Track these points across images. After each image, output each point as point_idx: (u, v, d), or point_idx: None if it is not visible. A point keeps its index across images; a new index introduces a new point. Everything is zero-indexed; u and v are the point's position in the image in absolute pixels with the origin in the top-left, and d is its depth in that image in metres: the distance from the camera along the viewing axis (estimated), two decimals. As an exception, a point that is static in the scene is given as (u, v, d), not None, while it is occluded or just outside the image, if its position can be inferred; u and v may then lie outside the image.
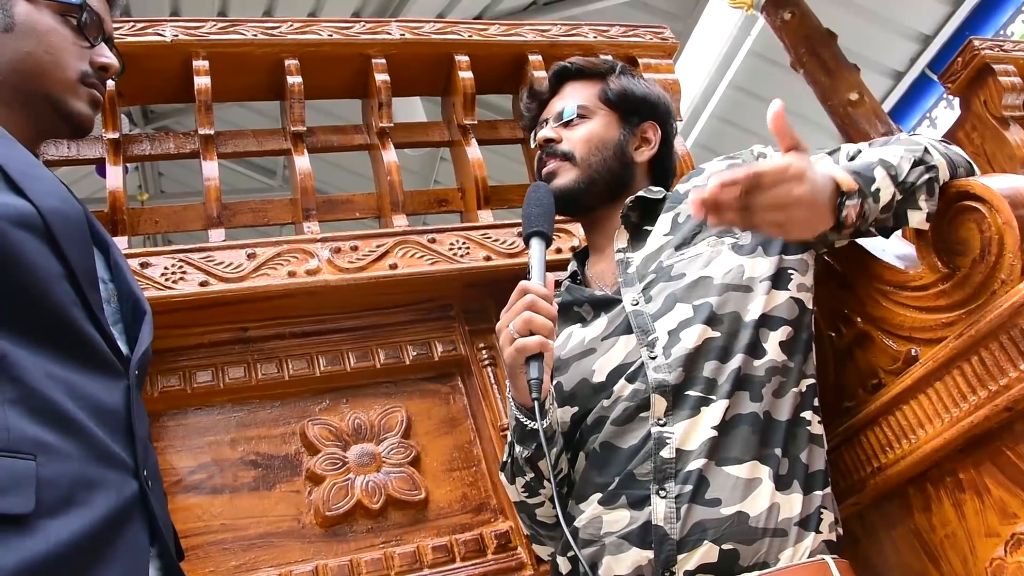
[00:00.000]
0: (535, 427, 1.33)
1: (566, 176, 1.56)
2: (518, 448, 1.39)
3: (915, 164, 1.29)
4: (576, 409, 1.42)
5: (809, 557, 1.24)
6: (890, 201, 1.26)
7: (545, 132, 1.61)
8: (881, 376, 1.44)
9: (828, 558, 1.25)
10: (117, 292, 1.17)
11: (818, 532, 1.27)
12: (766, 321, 1.37)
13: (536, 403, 1.25)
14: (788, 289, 1.40)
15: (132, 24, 1.96)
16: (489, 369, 1.87)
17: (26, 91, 1.18)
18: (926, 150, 1.31)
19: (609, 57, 2.20)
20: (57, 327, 0.98)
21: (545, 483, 1.40)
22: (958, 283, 1.29)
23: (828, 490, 1.33)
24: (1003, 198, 1.23)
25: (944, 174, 1.31)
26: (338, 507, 1.66)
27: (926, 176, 1.29)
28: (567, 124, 1.60)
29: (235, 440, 1.72)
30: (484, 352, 1.89)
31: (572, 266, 1.64)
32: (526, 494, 1.44)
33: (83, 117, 1.23)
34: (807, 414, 1.36)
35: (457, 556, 1.68)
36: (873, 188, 1.24)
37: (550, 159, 1.58)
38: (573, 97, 1.64)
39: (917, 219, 1.30)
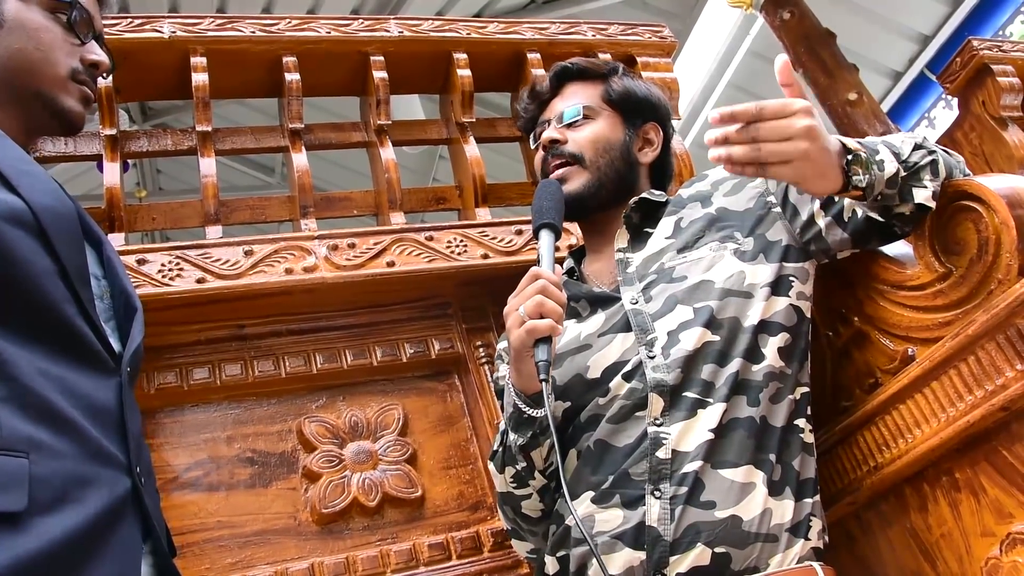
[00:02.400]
0: (535, 414, 1.34)
1: (577, 181, 1.54)
2: (512, 436, 1.38)
3: (916, 148, 1.31)
4: (569, 404, 1.41)
5: (798, 563, 1.24)
6: (894, 175, 1.26)
7: (550, 133, 1.59)
8: (878, 375, 1.43)
9: (816, 564, 1.25)
10: (109, 288, 1.16)
11: (807, 539, 1.27)
12: (765, 327, 1.37)
13: (544, 384, 1.25)
14: (788, 296, 1.40)
15: (130, 20, 1.96)
16: (486, 367, 1.87)
17: (17, 88, 1.18)
18: (924, 139, 1.34)
19: (609, 58, 2.21)
20: (49, 324, 0.98)
21: (536, 474, 1.40)
22: (955, 283, 1.29)
23: (817, 498, 1.34)
24: (1000, 198, 1.23)
25: (942, 163, 1.32)
26: (334, 504, 1.66)
27: (928, 158, 1.31)
28: (571, 125, 1.59)
29: (231, 437, 1.72)
30: (481, 350, 1.89)
31: (568, 263, 1.63)
32: (514, 484, 1.43)
33: (74, 114, 1.23)
34: (800, 422, 1.36)
35: (453, 554, 1.68)
36: (877, 158, 1.26)
37: (557, 160, 1.57)
38: (576, 97, 1.62)
39: (923, 196, 1.29)
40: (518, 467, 1.40)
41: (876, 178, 1.24)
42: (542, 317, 1.27)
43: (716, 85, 6.82)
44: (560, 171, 1.56)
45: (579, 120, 1.59)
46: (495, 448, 1.47)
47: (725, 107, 1.16)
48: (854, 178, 1.23)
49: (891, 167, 1.26)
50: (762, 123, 1.16)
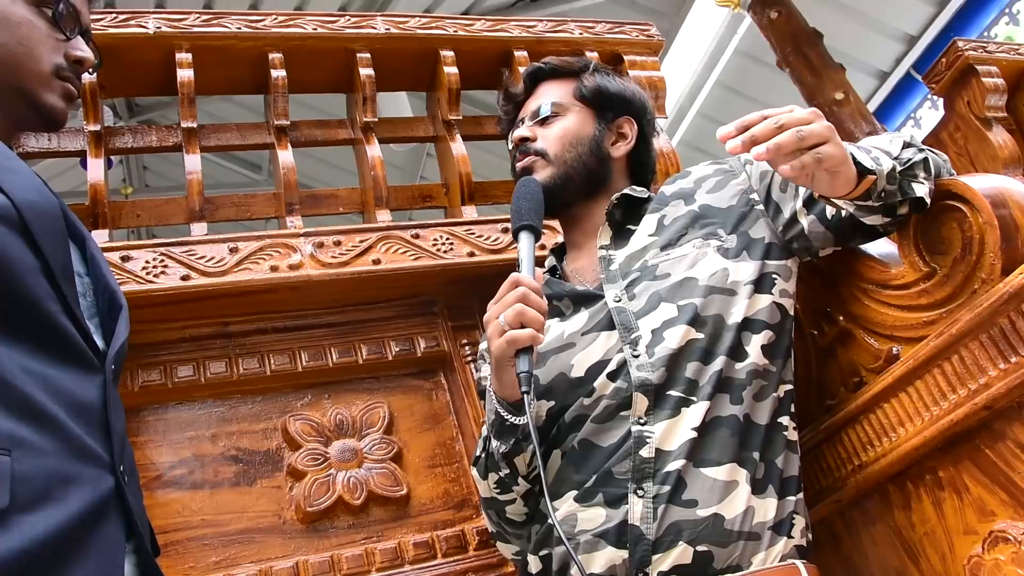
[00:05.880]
0: (517, 422, 1.33)
1: (541, 173, 1.55)
2: (495, 443, 1.38)
3: (905, 146, 1.31)
4: (553, 403, 1.41)
5: (780, 561, 1.24)
6: (892, 171, 1.26)
7: (520, 131, 1.60)
8: (863, 374, 1.44)
9: (799, 563, 1.25)
10: (93, 286, 1.15)
11: (790, 537, 1.27)
12: (748, 324, 1.37)
13: (526, 396, 1.24)
14: (771, 294, 1.40)
15: (115, 16, 1.95)
16: (472, 365, 1.86)
17: None
18: (912, 138, 1.34)
19: (596, 56, 2.20)
20: (33, 321, 0.97)
21: (520, 480, 1.39)
22: (939, 282, 1.30)
23: (800, 496, 1.33)
24: (984, 198, 1.23)
25: (932, 161, 1.32)
26: (319, 503, 1.66)
27: (920, 155, 1.30)
28: (542, 122, 1.60)
29: (216, 435, 1.72)
30: (467, 348, 1.89)
31: (550, 261, 1.63)
32: (498, 490, 1.42)
33: (56, 111, 1.21)
34: (784, 419, 1.36)
35: (438, 552, 1.68)
36: (872, 156, 1.25)
37: (524, 157, 1.57)
38: (547, 95, 1.63)
39: (923, 191, 1.29)
40: (501, 473, 1.39)
41: (879, 172, 1.24)
42: (523, 326, 1.26)
43: (703, 84, 6.84)
44: (524, 162, 1.56)
45: (549, 117, 1.60)
46: (478, 454, 1.46)
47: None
48: (867, 167, 1.22)
49: (886, 163, 1.25)
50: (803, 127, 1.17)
